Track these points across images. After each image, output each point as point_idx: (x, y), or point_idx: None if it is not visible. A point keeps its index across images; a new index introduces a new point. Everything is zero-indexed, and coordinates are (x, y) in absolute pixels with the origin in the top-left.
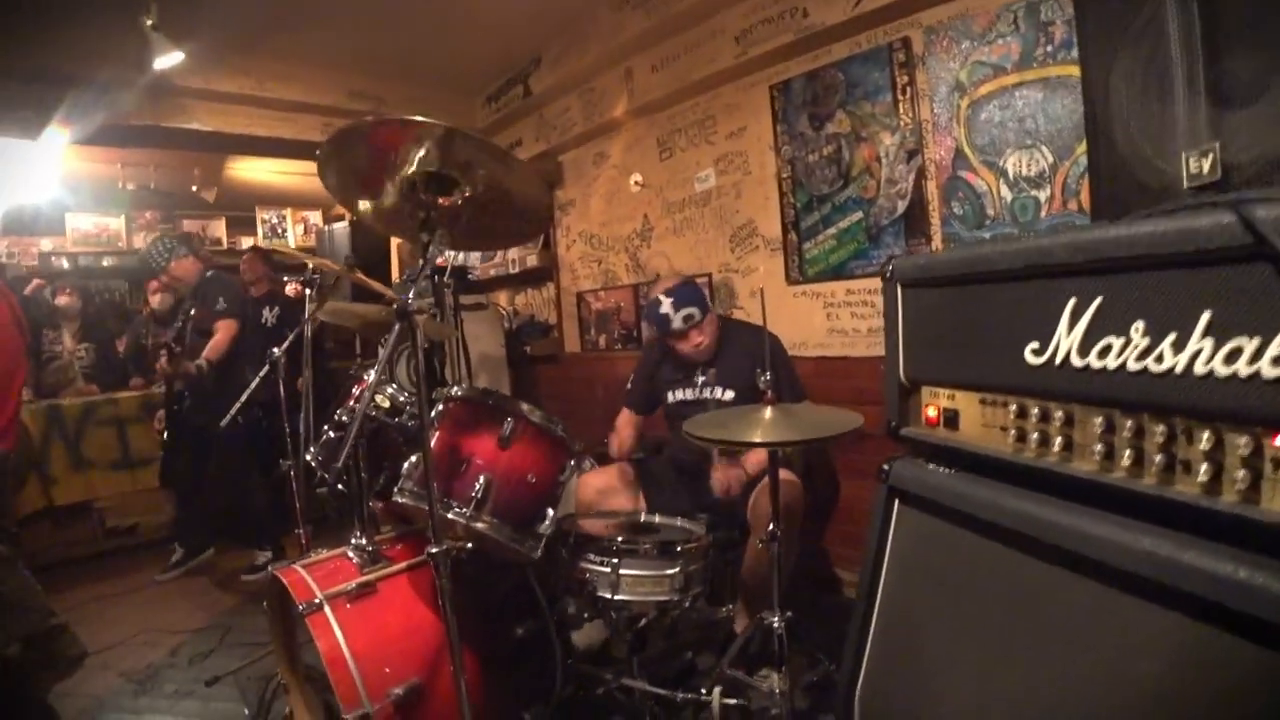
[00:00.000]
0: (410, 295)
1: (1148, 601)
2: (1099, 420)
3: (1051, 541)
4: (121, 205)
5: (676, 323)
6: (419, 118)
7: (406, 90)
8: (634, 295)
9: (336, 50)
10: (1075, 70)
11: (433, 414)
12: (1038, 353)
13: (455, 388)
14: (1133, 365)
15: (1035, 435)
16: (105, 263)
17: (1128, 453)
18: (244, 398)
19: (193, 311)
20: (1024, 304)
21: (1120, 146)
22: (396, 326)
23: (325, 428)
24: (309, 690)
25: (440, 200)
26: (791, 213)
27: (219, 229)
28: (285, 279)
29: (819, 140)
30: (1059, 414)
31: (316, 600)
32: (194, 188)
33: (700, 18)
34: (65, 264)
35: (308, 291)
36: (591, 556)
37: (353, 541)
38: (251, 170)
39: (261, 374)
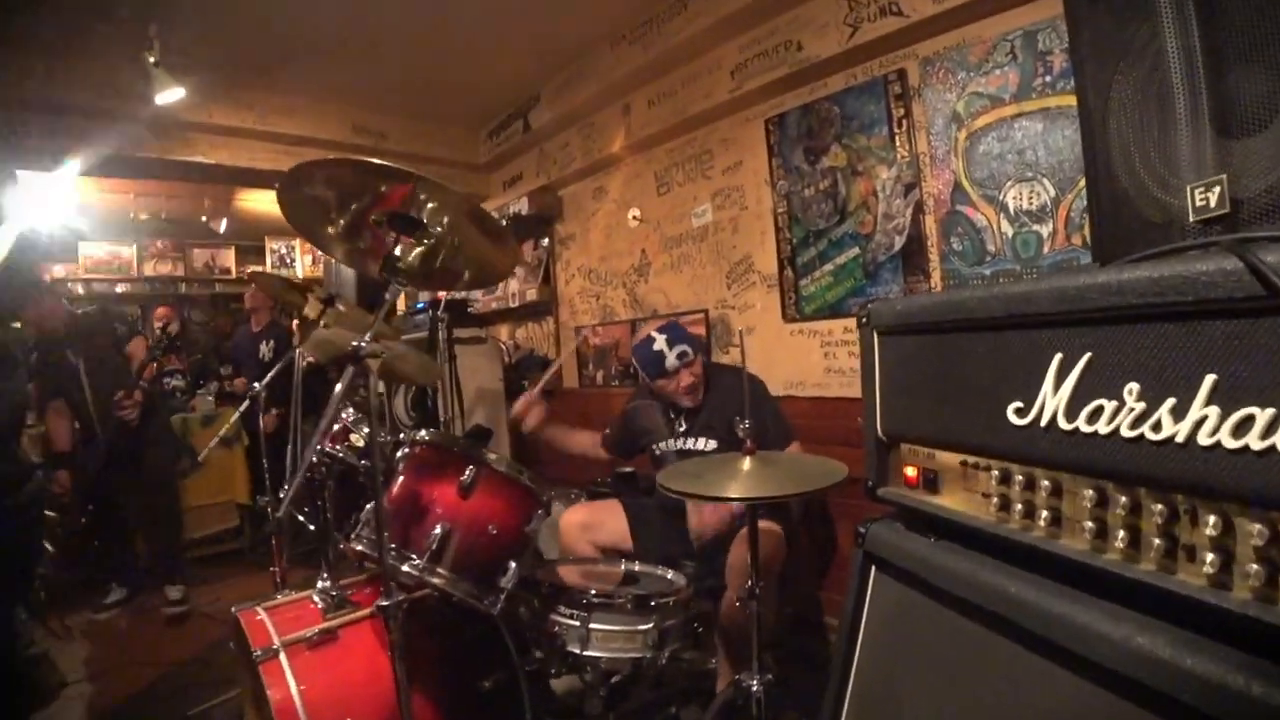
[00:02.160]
0: (366, 339)
1: (1141, 708)
2: (1089, 493)
3: (1035, 630)
4: (134, 235)
5: (671, 360)
6: (376, 160)
7: (408, 125)
8: (631, 331)
9: (339, 85)
10: (1074, 100)
11: (398, 456)
12: (1021, 412)
13: (422, 431)
14: (1126, 432)
15: (1019, 506)
16: (118, 289)
17: (1122, 532)
18: (230, 421)
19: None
20: (1006, 357)
21: (1121, 179)
22: (349, 369)
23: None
24: None
25: (402, 240)
26: (788, 248)
27: (228, 258)
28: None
29: (815, 174)
30: (1045, 483)
31: (273, 647)
32: (204, 218)
33: (697, 52)
34: (80, 289)
35: (295, 323)
36: (562, 609)
37: (319, 584)
38: (260, 201)
39: (241, 409)
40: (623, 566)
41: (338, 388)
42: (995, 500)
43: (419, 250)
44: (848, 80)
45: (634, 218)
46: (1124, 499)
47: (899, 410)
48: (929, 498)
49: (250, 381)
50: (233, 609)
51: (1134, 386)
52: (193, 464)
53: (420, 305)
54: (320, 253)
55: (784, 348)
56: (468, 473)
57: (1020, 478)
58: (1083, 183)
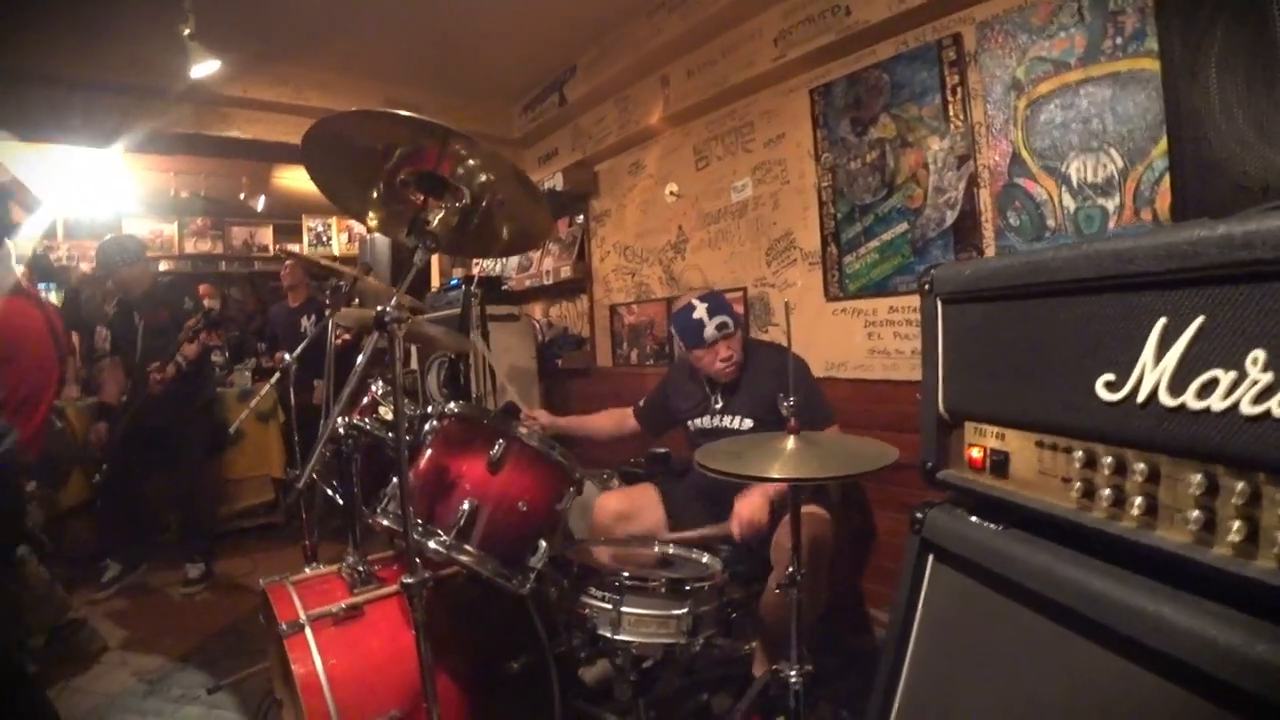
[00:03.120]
0: (392, 303)
1: None
2: (1197, 479)
3: (1122, 629)
4: (174, 212)
5: (709, 330)
6: (404, 112)
7: (442, 99)
8: (666, 310)
9: (374, 59)
10: (1149, 64)
11: (426, 429)
12: (1113, 387)
13: (451, 403)
14: (1247, 409)
15: (1107, 492)
16: (161, 267)
17: (1236, 524)
18: (261, 393)
19: (140, 318)
20: (1096, 324)
21: (1211, 140)
22: (374, 336)
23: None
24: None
25: (431, 203)
26: (832, 224)
27: (266, 236)
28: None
29: (861, 146)
30: (1140, 467)
31: (299, 621)
32: (242, 195)
33: (737, 19)
34: None
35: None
36: (593, 591)
37: (346, 560)
38: (297, 179)
39: (272, 381)
40: (656, 548)
41: (360, 356)
42: (1077, 485)
43: (449, 212)
44: (898, 47)
45: (671, 193)
46: (1240, 486)
47: (964, 386)
48: (997, 482)
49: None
50: (260, 582)
51: (1259, 355)
52: (227, 436)
53: (454, 282)
54: (356, 230)
55: (825, 327)
56: (497, 447)
57: (1109, 460)
58: (1156, 153)
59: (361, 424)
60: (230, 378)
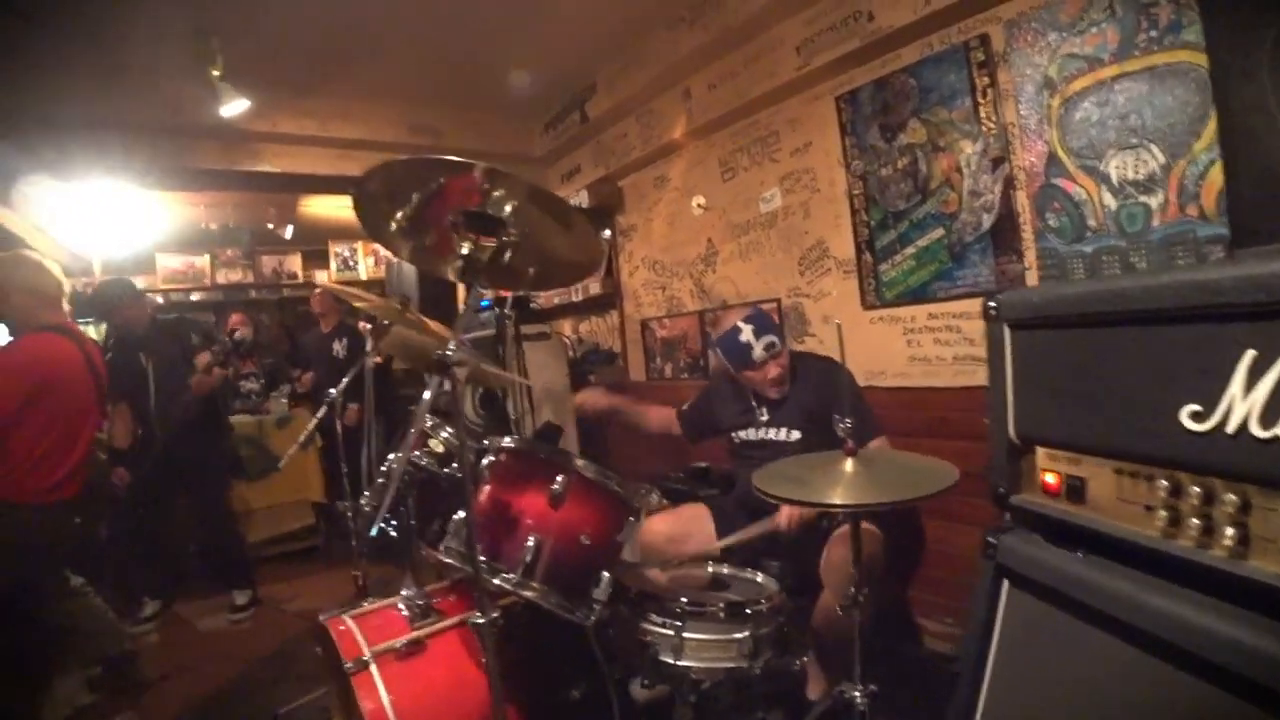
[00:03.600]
0: (451, 346)
1: None
2: None
3: (1215, 658)
4: (205, 244)
5: (758, 352)
6: (455, 158)
7: (464, 121)
8: (699, 322)
9: (394, 86)
10: (1186, 56)
11: (484, 464)
12: (1199, 417)
13: (506, 439)
14: None
15: (1195, 521)
16: (193, 297)
17: None
18: (310, 428)
19: (146, 358)
20: (1178, 354)
21: (1272, 145)
22: (436, 379)
23: (381, 469)
24: None
25: (482, 241)
26: (865, 232)
27: (295, 263)
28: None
29: (892, 152)
30: (1230, 497)
31: (364, 658)
32: (270, 225)
33: (758, 30)
34: (159, 299)
35: (369, 328)
36: (654, 617)
37: (403, 592)
38: (323, 206)
39: (319, 415)
40: (710, 569)
41: (425, 396)
42: (1161, 513)
43: (493, 248)
44: (924, 50)
45: (698, 205)
46: None
47: (1035, 411)
48: (1075, 508)
49: (321, 379)
50: (320, 617)
51: None
52: (272, 466)
53: (485, 303)
54: (381, 254)
55: (863, 336)
56: (558, 482)
57: (1197, 490)
58: (1198, 147)
59: (416, 458)
60: (267, 404)
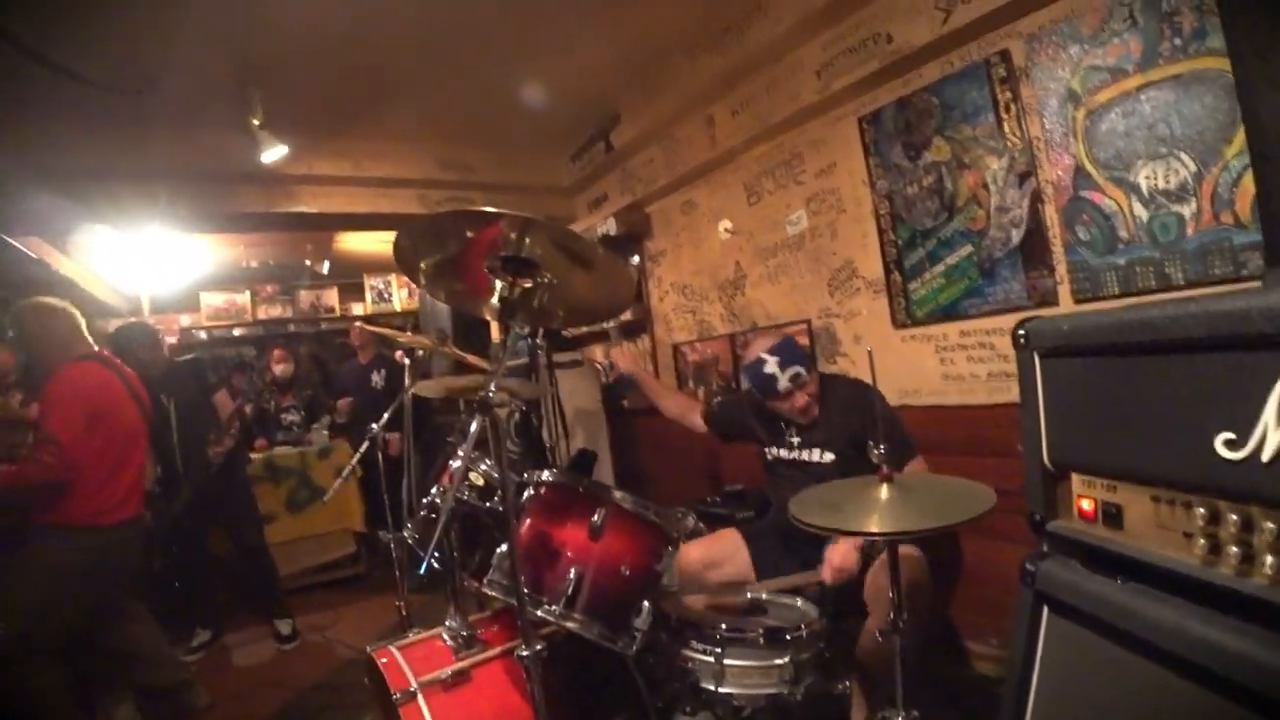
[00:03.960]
0: (492, 387)
1: None
2: None
3: (1257, 686)
4: (246, 281)
5: (783, 383)
6: (491, 209)
7: (492, 155)
8: (730, 345)
9: (424, 125)
10: (1212, 63)
11: (523, 498)
12: (1234, 445)
13: (546, 472)
14: None
15: (1235, 549)
16: (235, 333)
17: None
18: (353, 462)
19: (167, 399)
20: (1210, 382)
21: None
22: (478, 418)
23: (424, 501)
24: None
25: (520, 283)
26: (893, 250)
27: (332, 298)
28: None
29: (916, 171)
30: (1269, 525)
31: (411, 689)
32: (307, 261)
33: (778, 55)
34: (203, 335)
35: (406, 361)
36: (694, 644)
37: (448, 623)
38: (358, 242)
39: (362, 449)
40: (748, 595)
41: (470, 431)
42: (1201, 541)
43: (527, 289)
44: (944, 68)
45: (725, 230)
46: None
47: (1070, 438)
48: (1113, 534)
49: (360, 409)
50: (367, 648)
51: None
52: (316, 497)
53: None
54: (415, 287)
55: (895, 355)
56: (598, 515)
57: (1234, 517)
58: (1230, 154)
59: (461, 494)
60: (308, 436)
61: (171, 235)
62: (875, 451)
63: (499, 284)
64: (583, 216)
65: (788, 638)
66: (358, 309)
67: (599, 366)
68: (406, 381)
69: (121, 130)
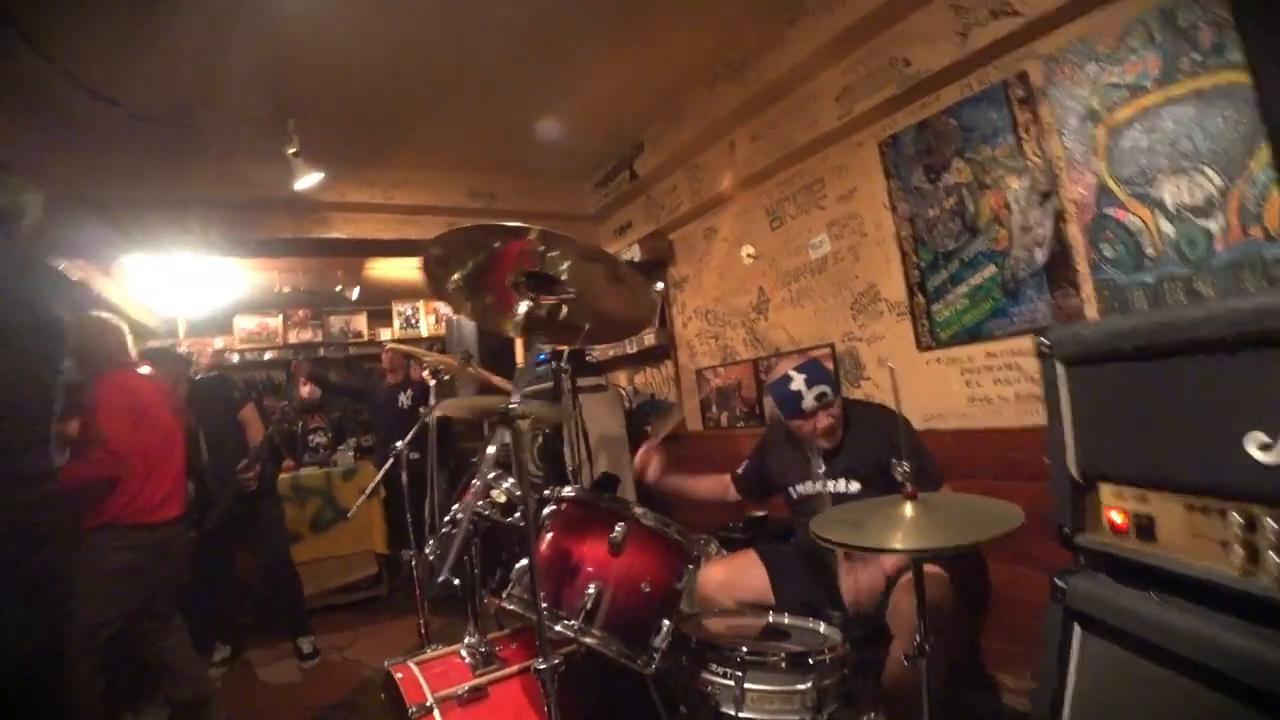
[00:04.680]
0: (515, 400)
1: None
2: None
3: None
4: (278, 306)
5: (808, 401)
6: (512, 224)
7: (519, 184)
8: (754, 370)
9: (452, 154)
10: (1235, 76)
11: (545, 513)
12: (1267, 448)
13: (567, 487)
14: None
15: (1275, 557)
16: (266, 356)
17: None
18: (376, 479)
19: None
20: (1237, 382)
21: None
22: (500, 432)
23: (445, 520)
24: None
25: (541, 299)
26: (916, 273)
27: (360, 323)
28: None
29: (937, 193)
30: None
31: (427, 703)
32: (338, 287)
33: (796, 82)
34: (235, 359)
35: (432, 382)
36: (714, 667)
37: (466, 640)
38: (387, 268)
39: (385, 467)
40: (770, 618)
41: (490, 449)
42: (1238, 550)
43: (551, 305)
44: (963, 91)
45: (748, 255)
46: None
47: (1096, 446)
48: (1145, 546)
49: (387, 429)
50: (385, 663)
51: None
52: (340, 517)
53: (541, 356)
54: (442, 312)
55: (919, 379)
56: (618, 529)
57: (1272, 524)
58: (1254, 167)
59: (482, 509)
60: (334, 457)
61: (206, 260)
62: (899, 469)
63: (522, 300)
64: (607, 244)
65: (810, 662)
66: (386, 334)
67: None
68: (431, 401)
69: (156, 160)
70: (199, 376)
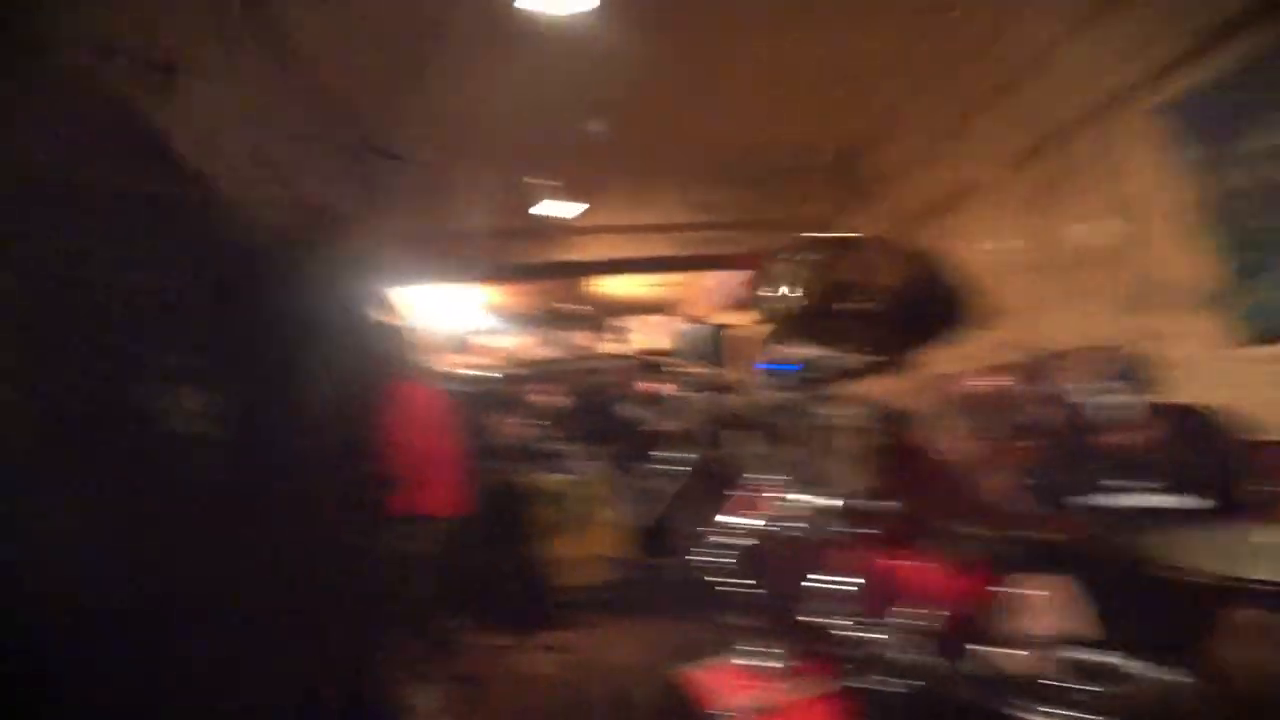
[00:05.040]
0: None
1: None
2: None
3: None
4: (514, 327)
5: (1111, 414)
6: (842, 234)
7: (742, 193)
8: (1022, 377)
9: (680, 169)
10: None
11: (859, 527)
12: None
13: (886, 500)
14: None
15: None
16: (505, 374)
17: None
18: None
19: None
20: None
21: None
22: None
23: (726, 527)
24: None
25: (848, 308)
26: (1222, 257)
27: (585, 338)
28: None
29: (1244, 161)
30: None
31: (724, 714)
32: (569, 306)
33: (1051, 52)
34: (473, 374)
35: (672, 391)
36: (1031, 704)
37: (758, 651)
38: (618, 284)
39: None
40: (1097, 657)
41: (756, 452)
42: None
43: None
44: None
45: (1004, 250)
46: None
47: None
48: None
49: (627, 443)
50: (667, 669)
51: None
52: (580, 520)
53: (790, 366)
54: (669, 324)
55: (1231, 381)
56: (945, 548)
57: None
58: None
59: (765, 519)
60: (575, 464)
61: (458, 287)
62: (1247, 487)
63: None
64: None
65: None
66: (610, 347)
67: None
68: (672, 411)
69: (426, 196)
70: (460, 390)
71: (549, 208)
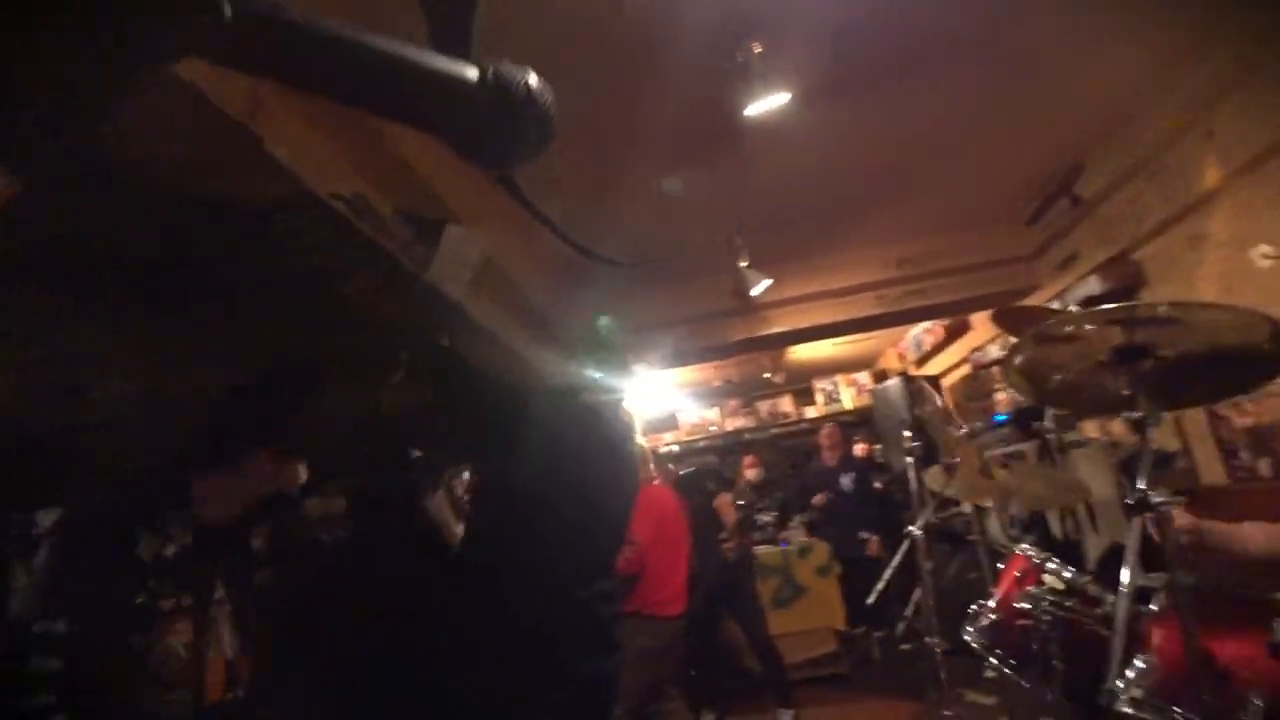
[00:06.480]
0: (1142, 485)
1: None
2: None
3: None
4: (714, 399)
5: None
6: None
7: (940, 243)
8: None
9: (877, 228)
10: None
11: (1153, 603)
12: None
13: (1181, 574)
14: None
15: None
16: (701, 444)
17: None
18: (887, 575)
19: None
20: None
21: None
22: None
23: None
24: None
25: (1141, 368)
26: None
27: (786, 404)
28: (854, 439)
29: None
30: None
31: None
32: (766, 374)
33: None
34: (676, 449)
35: (877, 448)
36: None
37: None
38: (808, 349)
39: (901, 549)
40: None
41: (1127, 546)
42: None
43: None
44: None
45: (1264, 256)
46: None
47: None
48: None
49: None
50: None
51: None
52: (799, 594)
53: (1001, 418)
54: (863, 385)
55: None
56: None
57: None
58: None
59: (1046, 599)
60: (783, 535)
61: (664, 370)
62: None
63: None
64: (1047, 282)
65: None
66: (810, 412)
67: None
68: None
69: (634, 292)
70: (681, 473)
71: (761, 287)
